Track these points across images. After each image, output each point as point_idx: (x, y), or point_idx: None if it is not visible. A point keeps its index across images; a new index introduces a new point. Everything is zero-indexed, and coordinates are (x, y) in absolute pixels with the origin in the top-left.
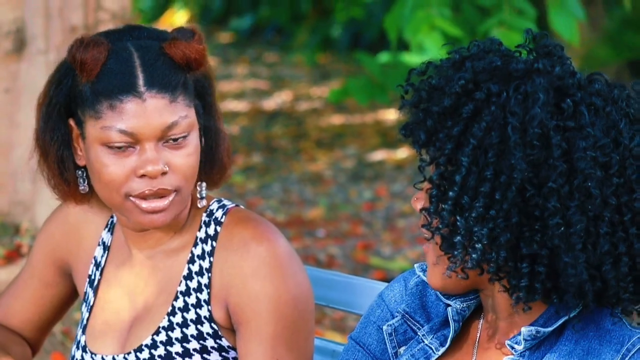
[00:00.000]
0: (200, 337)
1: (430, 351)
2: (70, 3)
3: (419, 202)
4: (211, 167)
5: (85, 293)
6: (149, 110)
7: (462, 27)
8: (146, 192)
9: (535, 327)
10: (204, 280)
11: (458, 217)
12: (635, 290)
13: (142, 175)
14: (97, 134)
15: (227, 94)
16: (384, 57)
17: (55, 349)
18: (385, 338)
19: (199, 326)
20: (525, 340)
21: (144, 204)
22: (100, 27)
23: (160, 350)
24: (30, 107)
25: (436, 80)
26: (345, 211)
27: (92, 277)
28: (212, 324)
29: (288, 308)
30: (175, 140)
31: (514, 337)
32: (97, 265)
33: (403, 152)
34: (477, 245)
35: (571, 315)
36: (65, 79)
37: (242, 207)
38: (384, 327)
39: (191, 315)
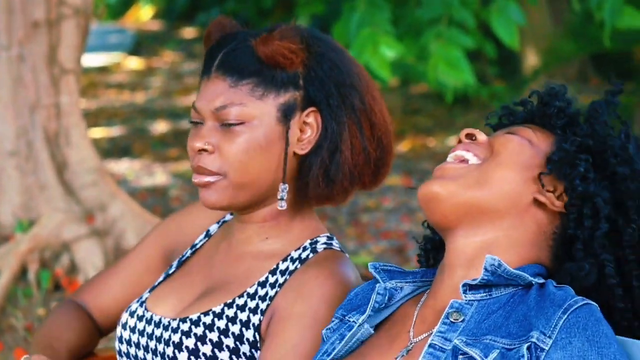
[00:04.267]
0: (239, 338)
1: (352, 323)
2: None
3: (482, 134)
4: (300, 177)
5: (171, 266)
6: (209, 89)
7: (406, 44)
8: (192, 165)
9: (499, 259)
10: (272, 293)
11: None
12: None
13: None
14: None
15: (192, 87)
16: (350, 52)
17: (17, 344)
18: (325, 340)
19: (244, 329)
20: (485, 269)
21: (193, 178)
22: (63, 22)
23: (199, 330)
24: None
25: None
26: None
27: (184, 256)
28: (257, 333)
29: (311, 344)
30: (227, 125)
31: (472, 279)
32: (193, 247)
33: None
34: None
35: (528, 281)
36: None
37: (345, 253)
38: (323, 332)
39: (243, 316)
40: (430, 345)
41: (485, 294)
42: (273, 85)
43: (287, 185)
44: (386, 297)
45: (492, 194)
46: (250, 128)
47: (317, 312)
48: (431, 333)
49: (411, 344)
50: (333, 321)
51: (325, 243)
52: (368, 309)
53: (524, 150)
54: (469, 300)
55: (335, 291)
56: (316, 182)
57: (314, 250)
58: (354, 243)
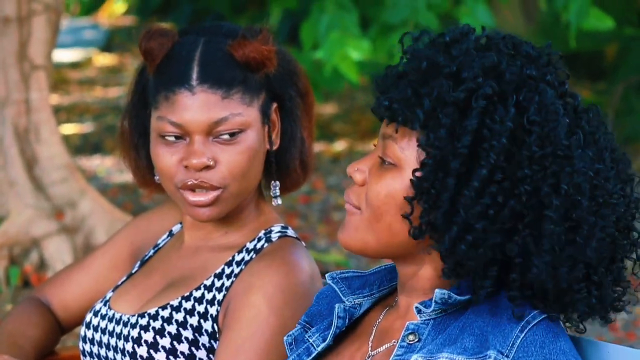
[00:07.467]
0: (198, 330)
1: (312, 348)
2: None
3: (360, 173)
4: (278, 171)
5: (134, 266)
6: (198, 104)
7: (377, 43)
8: (189, 183)
9: (448, 292)
10: (228, 283)
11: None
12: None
13: (187, 167)
14: (154, 123)
15: None
16: (320, 53)
17: None
18: (286, 348)
19: (202, 320)
20: (436, 302)
21: (190, 197)
22: (33, 19)
23: (158, 324)
24: None
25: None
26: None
27: (147, 255)
28: (215, 325)
29: (268, 333)
30: (225, 136)
31: (423, 302)
32: (155, 246)
33: (340, 145)
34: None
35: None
36: (145, 67)
37: (300, 240)
38: (284, 338)
39: (201, 308)
40: None
41: (440, 312)
42: (255, 90)
43: (278, 182)
44: (346, 319)
45: (389, 245)
46: (246, 136)
47: (271, 300)
48: (389, 346)
49: (369, 357)
50: (297, 327)
51: (279, 232)
52: (330, 336)
53: (395, 193)
54: (425, 320)
55: (289, 279)
56: (295, 171)
57: (268, 240)
58: (325, 241)
